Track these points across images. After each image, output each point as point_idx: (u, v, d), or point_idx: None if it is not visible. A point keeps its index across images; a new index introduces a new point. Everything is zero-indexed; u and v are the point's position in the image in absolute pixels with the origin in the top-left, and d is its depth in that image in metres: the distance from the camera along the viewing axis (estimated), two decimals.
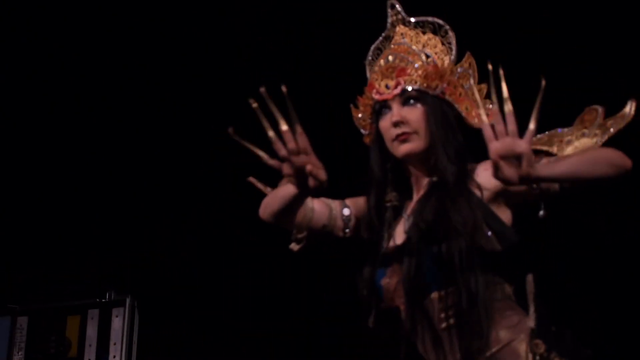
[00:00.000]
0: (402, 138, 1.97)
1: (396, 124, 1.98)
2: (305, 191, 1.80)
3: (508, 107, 1.63)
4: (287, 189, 1.95)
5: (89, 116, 3.74)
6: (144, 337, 3.39)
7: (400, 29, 2.16)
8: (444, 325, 1.86)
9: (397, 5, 2.18)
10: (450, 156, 1.95)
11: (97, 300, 3.46)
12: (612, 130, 1.61)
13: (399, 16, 2.18)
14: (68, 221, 3.83)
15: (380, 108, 2.03)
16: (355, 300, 1.99)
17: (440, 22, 2.12)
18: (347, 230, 2.10)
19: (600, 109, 1.90)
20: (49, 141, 3.86)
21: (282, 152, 1.73)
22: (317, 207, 2.07)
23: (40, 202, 3.87)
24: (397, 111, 1.99)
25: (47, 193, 3.86)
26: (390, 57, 2.08)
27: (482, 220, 1.87)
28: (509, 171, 1.63)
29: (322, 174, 1.76)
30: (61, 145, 3.84)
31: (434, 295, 1.87)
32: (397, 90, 2.00)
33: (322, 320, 3.22)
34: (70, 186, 3.83)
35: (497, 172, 1.65)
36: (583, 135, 1.91)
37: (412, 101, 2.00)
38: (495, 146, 1.63)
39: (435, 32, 2.12)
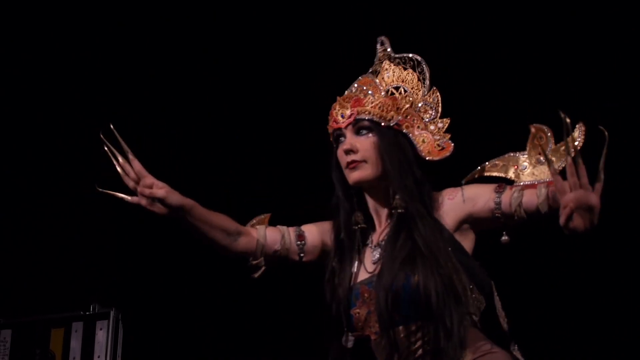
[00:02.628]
0: (352, 166, 2.05)
1: (347, 152, 2.05)
2: (165, 215, 1.99)
3: (580, 160, 1.64)
4: None
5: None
6: (128, 350, 3.39)
7: (386, 64, 2.23)
8: (418, 354, 1.89)
9: (386, 43, 2.26)
10: (407, 186, 2.00)
11: (81, 313, 3.45)
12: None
13: (386, 52, 2.25)
14: (51, 233, 3.83)
15: (338, 136, 2.11)
16: (323, 328, 2.04)
17: (418, 58, 2.19)
18: (302, 255, 2.17)
19: (547, 131, 1.93)
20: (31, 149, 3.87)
21: (131, 184, 1.98)
22: (269, 234, 2.16)
23: (22, 213, 3.87)
24: (348, 140, 2.06)
25: (30, 204, 3.86)
26: (353, 88, 2.16)
27: (452, 254, 1.91)
28: (578, 221, 1.66)
29: (159, 192, 1.96)
30: (40, 155, 3.85)
31: (412, 326, 1.89)
32: (350, 120, 2.07)
33: (298, 339, 3.26)
34: (55, 197, 3.83)
35: (567, 222, 1.66)
36: (538, 161, 1.96)
37: (364, 131, 2.07)
38: (570, 197, 1.64)
39: (414, 68, 2.19)
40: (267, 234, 2.15)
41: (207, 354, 3.58)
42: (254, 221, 2.27)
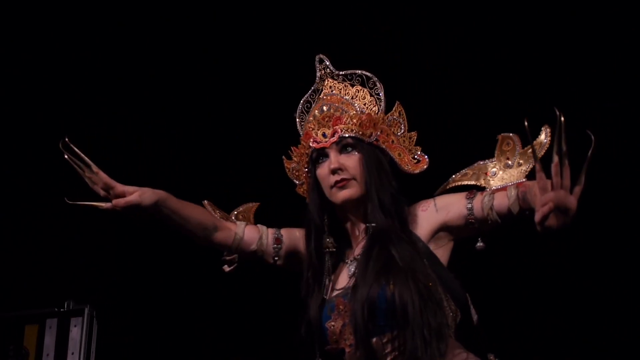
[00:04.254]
0: (341, 185, 2.05)
1: (334, 171, 2.05)
2: (142, 214, 2.01)
3: (566, 162, 1.65)
4: None
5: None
6: (102, 347, 3.39)
7: (329, 82, 2.23)
8: None
9: (326, 60, 2.25)
10: (385, 202, 2.02)
11: (56, 309, 3.44)
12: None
13: (327, 70, 2.24)
14: (26, 229, 3.81)
15: (318, 156, 2.11)
16: (299, 342, 2.05)
17: (368, 74, 2.19)
18: (277, 259, 2.19)
19: (515, 137, 1.98)
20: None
21: (102, 193, 1.98)
22: (248, 233, 2.18)
23: None
24: (335, 158, 2.06)
25: (5, 201, 3.84)
26: (324, 107, 2.15)
27: (427, 265, 1.94)
28: (553, 221, 1.67)
29: (134, 199, 1.97)
30: (15, 155, 3.83)
31: (386, 336, 1.91)
32: (335, 138, 2.07)
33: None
34: (30, 194, 3.81)
35: (543, 220, 1.67)
36: (507, 166, 2.01)
37: (349, 148, 2.08)
38: (550, 197, 1.65)
39: (363, 84, 2.19)
40: (245, 232, 2.17)
41: (181, 351, 3.59)
42: (241, 209, 2.28)
